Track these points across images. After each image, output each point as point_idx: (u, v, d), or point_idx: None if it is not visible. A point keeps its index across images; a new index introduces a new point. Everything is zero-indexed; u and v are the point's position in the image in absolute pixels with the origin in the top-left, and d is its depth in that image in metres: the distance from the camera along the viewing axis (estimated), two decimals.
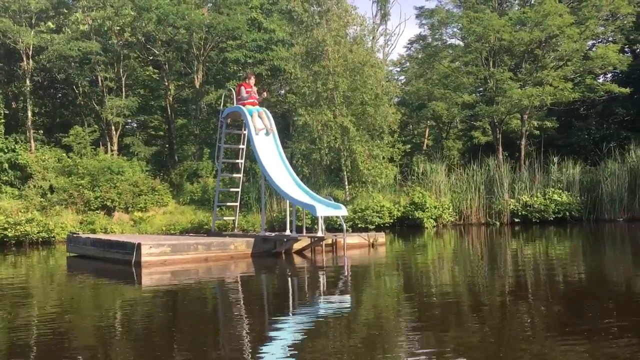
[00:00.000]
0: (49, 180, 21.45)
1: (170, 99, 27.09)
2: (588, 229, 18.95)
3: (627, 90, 24.44)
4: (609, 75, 29.23)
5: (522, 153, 24.99)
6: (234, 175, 18.51)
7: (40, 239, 18.50)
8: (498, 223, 21.25)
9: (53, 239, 18.74)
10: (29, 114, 24.28)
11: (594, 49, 26.43)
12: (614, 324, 6.14)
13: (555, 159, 22.61)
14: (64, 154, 22.89)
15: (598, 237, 16.96)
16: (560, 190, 21.45)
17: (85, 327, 6.75)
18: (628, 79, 26.75)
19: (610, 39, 27.68)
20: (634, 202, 21.21)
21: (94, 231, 18.96)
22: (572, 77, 24.90)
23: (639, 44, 29.91)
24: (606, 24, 26.02)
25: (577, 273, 9.91)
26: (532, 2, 26.50)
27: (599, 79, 27.68)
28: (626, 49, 28.59)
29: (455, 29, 26.49)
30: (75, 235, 15.61)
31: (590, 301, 7.50)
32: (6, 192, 21.94)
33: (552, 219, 20.89)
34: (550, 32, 23.38)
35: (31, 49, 23.66)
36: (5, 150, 22.97)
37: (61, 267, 13.50)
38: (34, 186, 21.28)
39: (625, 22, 26.10)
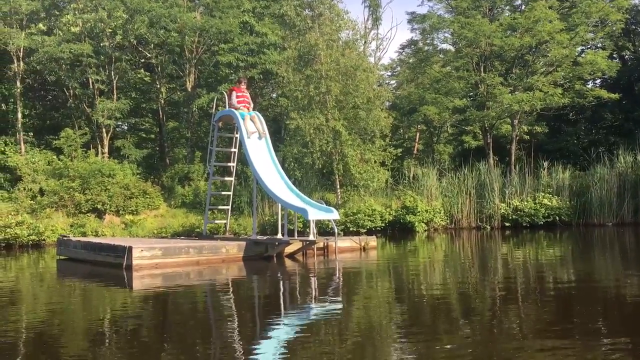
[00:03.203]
0: (39, 183, 21.33)
1: (162, 101, 27.04)
2: (577, 234, 19.10)
3: (616, 96, 24.69)
4: (598, 81, 29.56)
5: (512, 158, 25.17)
6: (226, 178, 18.48)
7: (31, 242, 18.38)
8: (489, 227, 21.38)
9: (43, 242, 18.62)
10: (19, 115, 24.14)
11: (583, 55, 26.71)
12: (603, 327, 6.21)
13: (545, 164, 22.79)
14: (55, 157, 22.77)
15: (587, 241, 17.10)
16: (550, 195, 21.62)
17: (74, 331, 6.73)
18: (616, 85, 27.05)
19: (600, 45, 27.98)
20: (623, 207, 21.42)
21: (84, 234, 18.86)
22: (561, 82, 25.16)
23: (627, 50, 30.26)
24: (595, 31, 26.31)
25: (566, 277, 10.00)
26: (523, 8, 26.74)
27: (588, 84, 27.97)
28: (615, 55, 28.92)
29: (446, 34, 26.71)
30: (65, 238, 15.51)
31: (580, 304, 7.58)
32: None
33: (542, 223, 21.03)
34: (541, 38, 23.61)
35: (22, 50, 23.55)
36: None
37: (51, 270, 13.43)
38: (24, 189, 21.15)
39: (614, 28, 26.39)
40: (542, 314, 6.91)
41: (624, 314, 6.88)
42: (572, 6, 25.74)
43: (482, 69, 25.47)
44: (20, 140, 23.80)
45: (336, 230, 14.42)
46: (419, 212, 20.68)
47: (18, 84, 24.03)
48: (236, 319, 7.21)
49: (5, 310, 8.07)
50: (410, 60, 30.74)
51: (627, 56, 30.45)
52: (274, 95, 29.00)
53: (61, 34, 24.00)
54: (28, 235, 18.29)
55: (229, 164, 17.48)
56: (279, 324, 6.83)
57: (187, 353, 5.54)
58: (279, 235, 14.43)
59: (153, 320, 7.38)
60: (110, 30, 24.20)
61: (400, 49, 35.73)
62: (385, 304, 7.91)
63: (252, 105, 16.40)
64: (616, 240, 16.94)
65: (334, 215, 13.88)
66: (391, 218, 20.90)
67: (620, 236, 17.90)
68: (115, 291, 9.96)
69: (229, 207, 17.67)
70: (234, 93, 16.03)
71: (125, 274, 11.31)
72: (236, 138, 16.65)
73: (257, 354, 5.48)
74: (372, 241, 15.21)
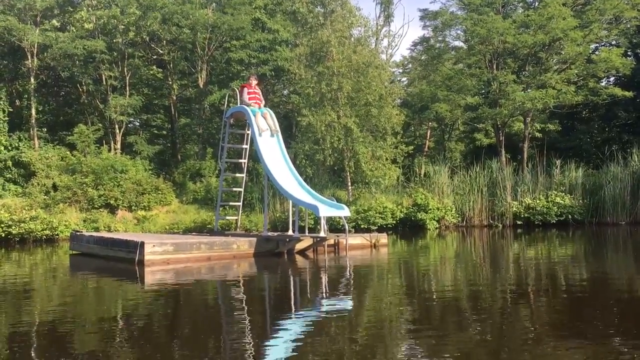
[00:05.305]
0: (53, 178, 21.51)
1: (174, 98, 27.15)
2: (590, 232, 18.96)
3: (630, 93, 24.45)
4: (612, 78, 29.24)
5: (525, 155, 25.01)
6: (237, 175, 18.56)
7: (44, 236, 18.56)
8: (500, 225, 21.28)
9: (56, 236, 18.80)
10: (33, 111, 24.34)
11: (597, 53, 26.44)
12: (616, 327, 6.17)
13: (558, 162, 22.62)
14: (68, 152, 22.94)
15: (600, 240, 16.97)
16: (563, 193, 21.47)
17: (86, 325, 6.79)
18: (631, 82, 26.76)
19: (614, 42, 27.71)
20: (637, 206, 21.22)
21: (97, 229, 19.01)
22: (575, 80, 24.93)
23: None
24: (610, 28, 26.04)
25: (579, 276, 9.93)
26: (536, 5, 26.53)
27: (602, 82, 27.68)
28: (629, 53, 28.62)
29: (458, 31, 26.58)
30: (78, 233, 15.66)
31: (593, 304, 7.53)
32: (10, 189, 22.05)
33: (554, 221, 20.90)
34: (554, 35, 23.41)
35: (36, 47, 23.72)
36: (9, 147, 23.09)
37: (64, 264, 13.55)
38: (38, 184, 21.34)
39: (628, 26, 26.13)
40: (554, 314, 6.87)
41: (637, 314, 6.83)
42: (586, 3, 25.49)
43: (494, 67, 25.30)
44: (34, 136, 24.00)
45: (347, 227, 14.43)
46: (430, 209, 20.62)
47: (32, 80, 24.22)
48: (247, 315, 7.24)
49: (19, 305, 8.17)
50: (422, 58, 30.59)
51: None
52: (286, 92, 29.00)
53: (75, 31, 24.18)
54: (42, 230, 18.47)
55: (240, 161, 17.54)
56: (289, 320, 6.85)
57: (197, 348, 5.57)
58: (290, 232, 14.47)
59: (164, 315, 7.43)
60: (123, 26, 24.33)
61: (412, 46, 35.48)
62: (395, 301, 7.91)
63: (263, 102, 16.44)
64: (629, 239, 16.79)
65: (344, 212, 13.90)
66: (402, 215, 20.85)
67: (633, 235, 17.74)
68: (127, 286, 10.04)
69: (240, 204, 17.72)
70: (245, 90, 16.08)
71: (137, 269, 11.40)
72: (247, 135, 16.70)
73: (267, 349, 5.51)
74: (383, 238, 15.20)
